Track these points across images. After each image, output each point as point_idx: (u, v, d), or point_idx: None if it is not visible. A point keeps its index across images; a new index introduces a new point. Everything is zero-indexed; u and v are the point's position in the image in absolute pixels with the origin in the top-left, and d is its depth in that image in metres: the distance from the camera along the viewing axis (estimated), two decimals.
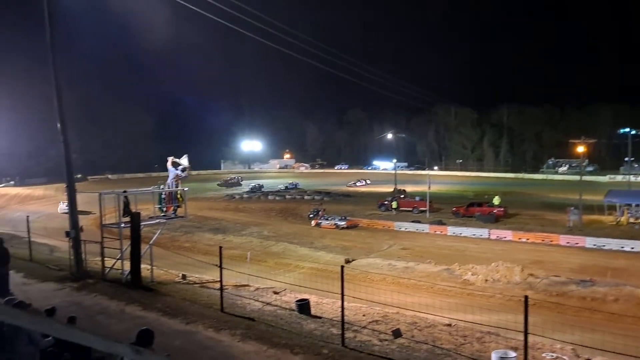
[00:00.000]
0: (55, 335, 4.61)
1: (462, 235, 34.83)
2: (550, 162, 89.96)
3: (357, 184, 71.94)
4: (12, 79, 72.09)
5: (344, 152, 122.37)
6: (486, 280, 23.06)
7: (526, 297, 8.39)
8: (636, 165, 72.86)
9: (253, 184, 67.37)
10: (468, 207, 42.07)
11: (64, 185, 16.33)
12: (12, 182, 73.93)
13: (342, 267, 10.62)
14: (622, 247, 28.58)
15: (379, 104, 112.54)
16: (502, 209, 41.29)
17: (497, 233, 34.22)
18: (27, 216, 20.31)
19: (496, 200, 43.39)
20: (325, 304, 13.70)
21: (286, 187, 67.40)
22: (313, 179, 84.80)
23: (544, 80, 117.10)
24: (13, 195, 59.77)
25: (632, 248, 28.20)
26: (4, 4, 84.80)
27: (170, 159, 16.95)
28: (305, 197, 56.60)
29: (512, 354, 9.30)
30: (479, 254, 28.13)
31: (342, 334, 10.25)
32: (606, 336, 11.83)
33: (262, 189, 64.51)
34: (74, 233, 15.65)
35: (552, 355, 10.57)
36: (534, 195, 55.94)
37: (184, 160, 17.39)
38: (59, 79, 15.40)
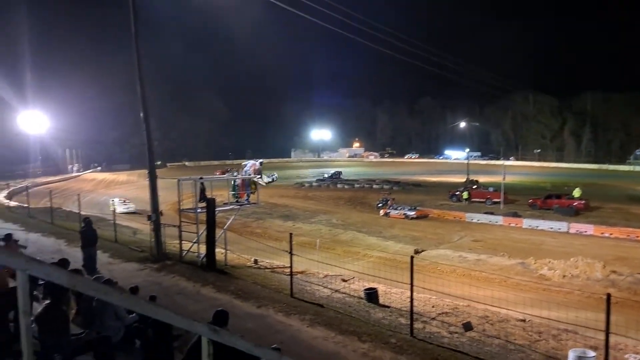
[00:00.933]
0: (141, 312, 4.93)
1: (539, 228, 33.38)
2: (638, 153, 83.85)
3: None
4: (98, 70, 76.75)
5: (414, 141, 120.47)
6: (564, 275, 22.04)
7: (608, 295, 7.97)
8: None
9: (332, 172, 68.17)
10: (546, 199, 40.26)
11: (145, 171, 17.23)
12: (99, 168, 79.00)
13: (412, 257, 10.53)
14: None
15: (451, 92, 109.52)
16: (582, 201, 39.13)
17: (577, 227, 32.50)
18: (112, 200, 21.62)
19: (577, 193, 41.17)
20: (393, 294, 13.65)
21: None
22: (382, 168, 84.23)
23: (631, 65, 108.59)
24: (100, 180, 63.80)
25: None
26: None
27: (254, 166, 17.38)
28: (374, 186, 56.38)
29: (591, 353, 8.88)
30: (556, 248, 26.90)
31: (411, 324, 10.20)
32: None
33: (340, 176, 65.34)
34: (155, 217, 16.53)
35: (636, 357, 9.97)
36: (619, 188, 52.52)
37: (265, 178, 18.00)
38: (142, 71, 16.21)
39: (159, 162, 56.41)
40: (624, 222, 33.27)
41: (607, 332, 7.82)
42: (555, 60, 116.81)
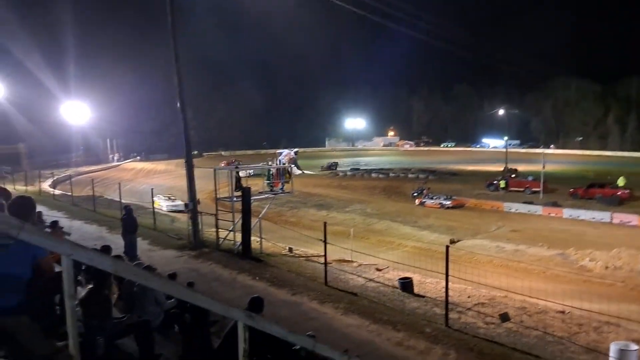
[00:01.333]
0: (179, 297, 5.07)
1: (580, 218, 32.43)
2: None
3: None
4: (138, 61, 78.48)
5: (450, 129, 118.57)
6: (606, 267, 21.42)
7: None
8: None
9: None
10: (588, 189, 39.02)
11: (182, 160, 17.58)
12: (138, 157, 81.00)
13: (447, 246, 10.42)
14: None
15: (488, 78, 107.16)
16: (627, 191, 37.75)
17: (620, 217, 31.42)
18: (152, 189, 22.17)
19: (621, 182, 39.73)
20: (428, 284, 13.57)
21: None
22: (417, 157, 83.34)
23: None
24: (139, 170, 65.42)
25: None
26: None
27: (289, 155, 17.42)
28: (410, 176, 55.88)
29: (634, 346, 8.62)
30: (598, 239, 26.09)
31: (446, 314, 10.13)
32: None
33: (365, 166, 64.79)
34: (192, 205, 16.86)
35: None
36: None
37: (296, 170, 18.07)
38: (179, 62, 16.47)
39: (195, 152, 57.33)
40: None
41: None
42: (598, 43, 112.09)
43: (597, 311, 11.49)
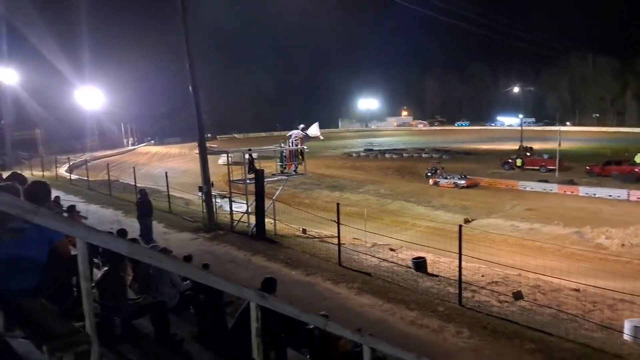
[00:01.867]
0: (194, 278, 5.16)
1: (596, 196, 32.08)
2: None
3: None
4: (150, 46, 78.51)
5: (464, 108, 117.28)
6: (623, 244, 21.22)
7: None
8: None
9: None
10: (604, 166, 38.54)
11: (196, 143, 17.68)
12: (152, 141, 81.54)
13: (460, 225, 10.41)
14: None
15: (503, 56, 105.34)
16: None
17: (638, 194, 31.01)
18: (166, 172, 22.30)
19: (638, 158, 39.11)
20: (442, 263, 13.58)
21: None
22: (431, 137, 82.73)
23: None
24: (154, 153, 65.89)
25: None
26: None
27: (299, 135, 17.27)
28: (423, 155, 55.58)
29: None
30: (615, 217, 25.83)
31: (460, 293, 10.17)
32: None
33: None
34: (206, 188, 17.00)
35: None
36: None
37: (314, 129, 17.91)
38: (189, 45, 16.46)
39: (209, 135, 57.58)
40: None
41: None
42: (615, 17, 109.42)
43: (612, 289, 11.44)
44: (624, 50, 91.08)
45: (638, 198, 30.55)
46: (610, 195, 31.62)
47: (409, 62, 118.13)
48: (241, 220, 16.44)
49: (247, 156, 16.45)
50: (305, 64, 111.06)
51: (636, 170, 36.77)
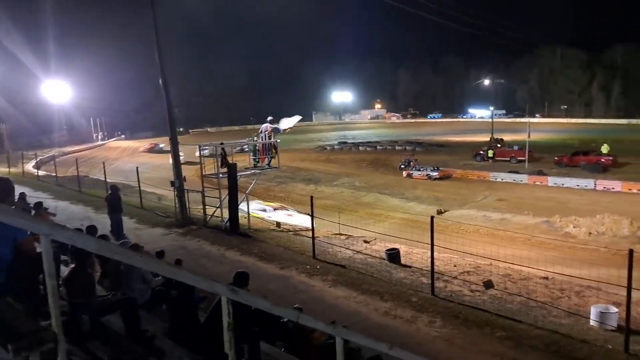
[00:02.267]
0: (165, 274, 5.10)
1: (565, 186, 32.89)
2: None
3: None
4: (119, 39, 76.89)
5: (438, 101, 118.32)
6: (590, 233, 21.83)
7: (631, 251, 7.89)
8: None
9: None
10: (572, 156, 39.53)
11: (167, 138, 17.44)
12: (122, 136, 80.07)
13: (432, 217, 10.55)
14: None
15: (475, 48, 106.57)
16: (610, 158, 38.29)
17: (604, 184, 31.92)
18: (137, 167, 21.96)
19: (604, 149, 40.24)
20: (415, 254, 13.73)
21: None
22: (405, 130, 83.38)
23: None
24: (124, 148, 64.79)
25: None
26: None
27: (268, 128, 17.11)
28: (397, 148, 56.01)
29: (614, 309, 8.88)
30: (582, 206, 26.52)
31: (432, 283, 10.31)
32: None
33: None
34: (178, 183, 16.81)
35: None
36: None
37: (287, 122, 17.79)
38: (159, 37, 16.19)
39: (181, 129, 56.71)
40: None
41: (630, 288, 7.78)
42: (583, 11, 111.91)
43: (580, 276, 11.76)
44: (591, 43, 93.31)
45: (604, 187, 31.42)
46: (578, 185, 32.44)
47: (383, 55, 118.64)
48: (214, 215, 16.31)
49: (220, 150, 16.30)
50: (279, 57, 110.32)
51: (602, 160, 37.78)
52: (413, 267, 12.33)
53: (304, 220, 17.60)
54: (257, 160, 17.35)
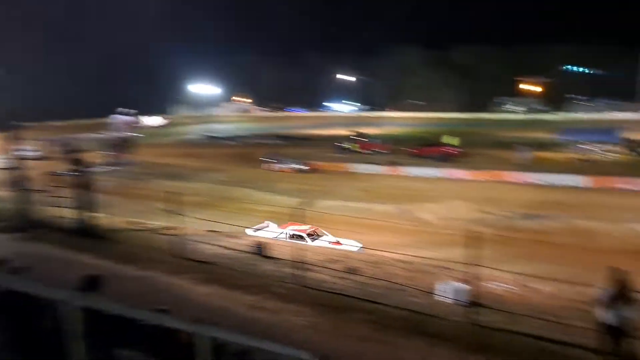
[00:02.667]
0: (3, 284, 4.44)
1: (418, 175, 35.46)
2: (504, 102, 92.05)
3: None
4: None
5: (299, 95, 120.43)
6: (442, 218, 23.70)
7: (476, 232, 8.63)
8: (587, 104, 76.01)
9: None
10: (423, 148, 42.73)
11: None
12: None
13: (295, 208, 10.64)
14: (569, 183, 29.90)
15: (336, 43, 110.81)
16: (456, 148, 42.14)
17: (452, 172, 35.01)
18: None
19: (451, 140, 44.15)
20: (283, 246, 13.81)
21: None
22: (269, 123, 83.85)
23: (500, 19, 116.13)
24: None
25: (578, 183, 29.65)
26: None
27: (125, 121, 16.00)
28: (262, 142, 56.07)
29: (463, 285, 9.69)
30: (434, 194, 28.71)
31: (297, 274, 10.39)
32: (553, 266, 12.52)
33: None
34: (21, 183, 15.03)
35: (501, 285, 11.11)
36: (489, 135, 57.11)
37: (148, 119, 16.73)
38: None
39: (22, 123, 50.94)
40: (493, 166, 36.37)
41: (473, 265, 8.53)
42: (428, 13, 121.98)
43: (435, 258, 12.69)
44: (441, 42, 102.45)
45: (452, 176, 34.48)
46: (429, 175, 35.20)
47: (246, 48, 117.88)
48: (65, 216, 14.84)
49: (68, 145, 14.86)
50: (134, 48, 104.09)
51: (450, 151, 41.46)
52: (280, 258, 12.36)
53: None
54: (114, 156, 16.16)
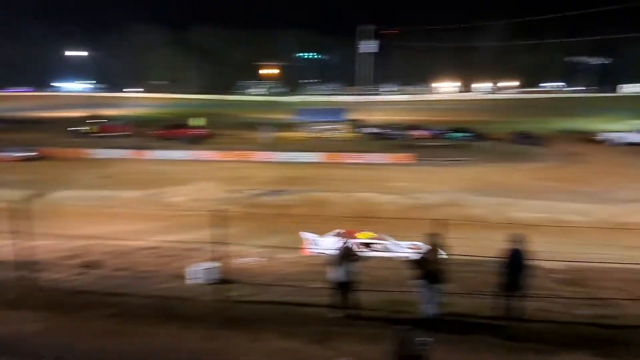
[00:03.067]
0: None
1: (166, 158, 34.65)
2: (246, 85, 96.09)
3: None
4: None
5: (20, 73, 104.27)
6: (192, 200, 23.65)
7: (224, 211, 8.91)
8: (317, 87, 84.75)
9: None
10: (169, 130, 41.90)
11: None
12: None
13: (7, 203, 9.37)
14: (306, 159, 33.09)
15: (61, 15, 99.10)
16: (203, 130, 42.44)
17: (200, 154, 35.19)
18: None
19: (197, 122, 44.26)
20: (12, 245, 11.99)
21: None
22: None
23: (240, 2, 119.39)
24: None
25: (314, 159, 33.00)
26: None
27: None
28: None
29: (205, 265, 9.89)
30: (183, 176, 28.41)
31: (25, 276, 9.22)
32: (295, 236, 13.78)
33: None
34: None
35: (247, 260, 11.75)
36: (233, 116, 58.98)
37: None
38: None
39: None
40: (239, 146, 37.81)
41: (219, 244, 8.86)
42: None
43: (185, 241, 12.63)
44: (178, 22, 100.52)
45: (200, 157, 34.68)
46: (177, 157, 34.74)
47: None
48: None
49: None
50: None
51: (196, 132, 41.55)
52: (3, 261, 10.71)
53: None
54: None
